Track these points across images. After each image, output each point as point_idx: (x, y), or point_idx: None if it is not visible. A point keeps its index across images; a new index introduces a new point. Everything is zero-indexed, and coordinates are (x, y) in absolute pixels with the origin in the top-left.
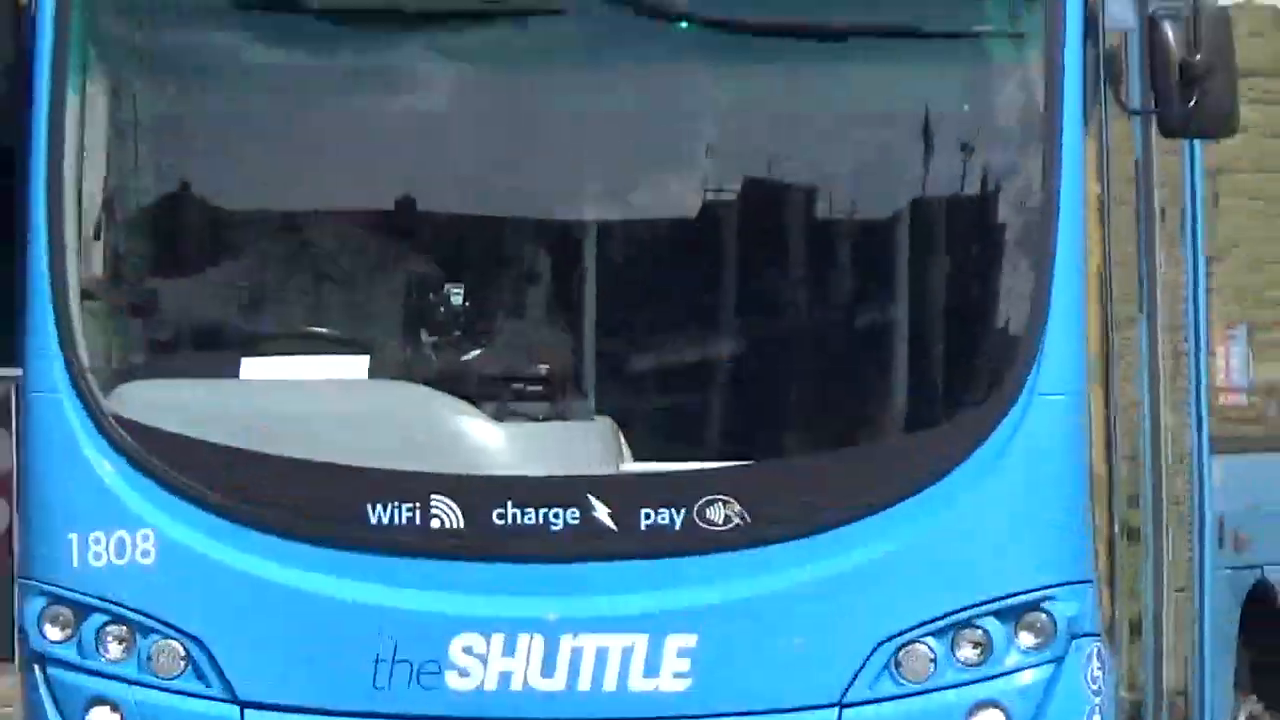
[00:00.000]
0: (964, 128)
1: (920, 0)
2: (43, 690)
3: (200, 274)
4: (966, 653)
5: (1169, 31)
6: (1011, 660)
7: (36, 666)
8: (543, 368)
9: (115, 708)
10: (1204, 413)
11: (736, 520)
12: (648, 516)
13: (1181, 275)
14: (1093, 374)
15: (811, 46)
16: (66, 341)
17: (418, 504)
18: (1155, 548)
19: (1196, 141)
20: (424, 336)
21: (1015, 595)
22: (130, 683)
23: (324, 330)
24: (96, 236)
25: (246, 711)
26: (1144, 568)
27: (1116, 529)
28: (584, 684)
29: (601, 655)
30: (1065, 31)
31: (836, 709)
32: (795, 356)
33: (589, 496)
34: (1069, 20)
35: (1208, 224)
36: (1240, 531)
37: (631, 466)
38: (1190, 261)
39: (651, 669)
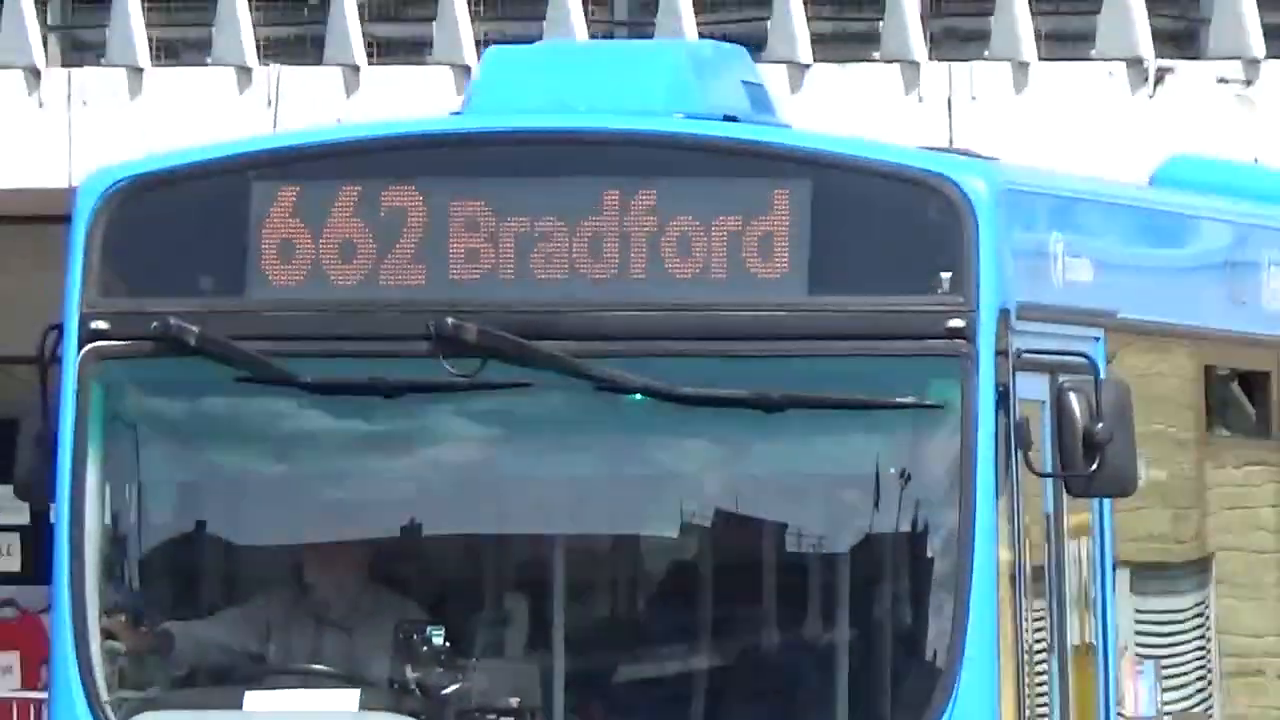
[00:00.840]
0: (889, 487)
1: (848, 375)
2: None
3: (206, 617)
4: None
5: (1074, 402)
6: None
7: None
8: (514, 700)
9: None
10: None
11: None
12: None
13: (1092, 616)
14: (1009, 704)
15: (751, 416)
16: (86, 675)
17: None
18: None
19: (1105, 501)
20: (409, 672)
21: None
22: None
23: (319, 667)
24: (112, 585)
25: None
26: None
27: None
28: None
29: None
30: (978, 404)
31: None
32: (741, 687)
33: None
34: (982, 394)
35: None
36: None
37: None
38: (1100, 602)
39: None
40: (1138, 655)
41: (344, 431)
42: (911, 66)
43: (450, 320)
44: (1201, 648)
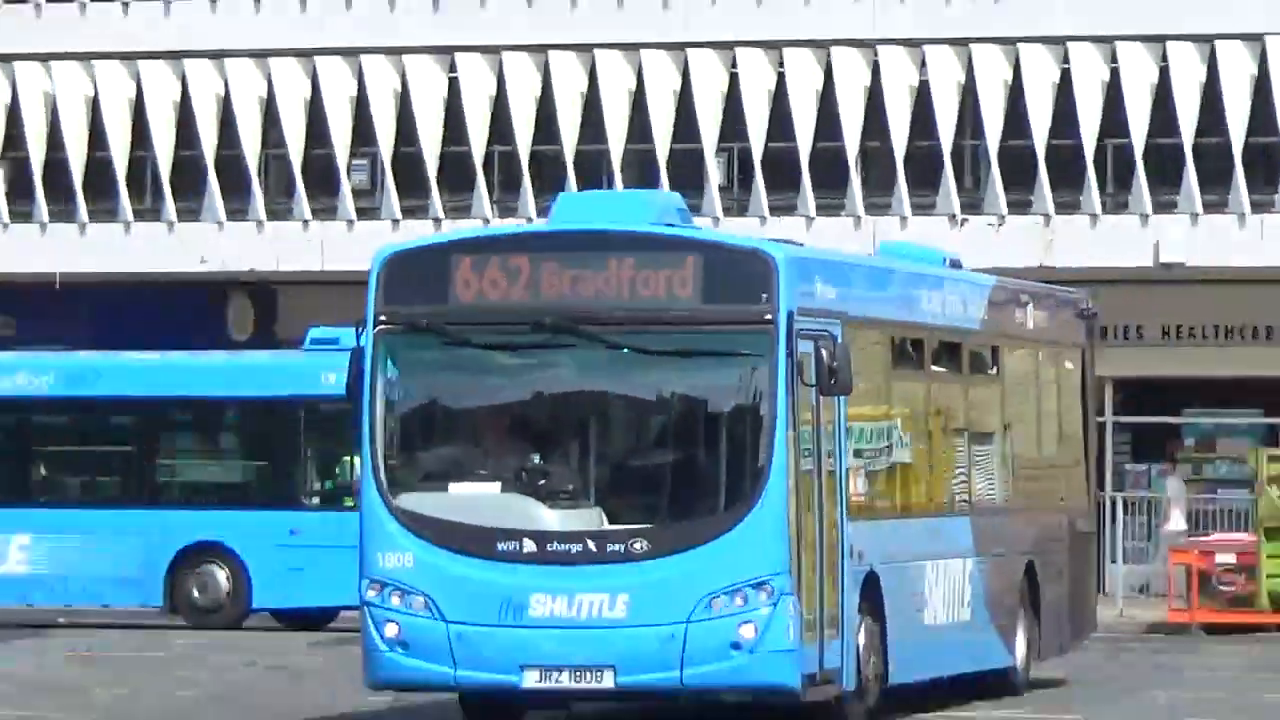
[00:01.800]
0: (743, 386)
1: (723, 340)
2: (367, 620)
3: (433, 454)
4: (738, 603)
5: (824, 352)
6: (761, 603)
7: (365, 610)
8: (570, 487)
9: (399, 627)
10: (844, 505)
11: (639, 548)
12: (605, 548)
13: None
14: (795, 486)
15: (678, 359)
16: (378, 481)
17: (526, 538)
18: (826, 556)
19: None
20: (523, 477)
21: (760, 577)
22: (403, 614)
23: (483, 472)
24: (385, 437)
25: (452, 627)
26: (818, 566)
27: (803, 548)
28: (578, 614)
29: (592, 605)
30: (779, 352)
31: (683, 627)
32: (658, 481)
33: (587, 541)
34: (780, 348)
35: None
36: (859, 549)
37: (599, 528)
38: (839, 444)
39: (603, 607)
40: (857, 468)
41: (492, 365)
42: None
43: (542, 320)
44: (890, 462)
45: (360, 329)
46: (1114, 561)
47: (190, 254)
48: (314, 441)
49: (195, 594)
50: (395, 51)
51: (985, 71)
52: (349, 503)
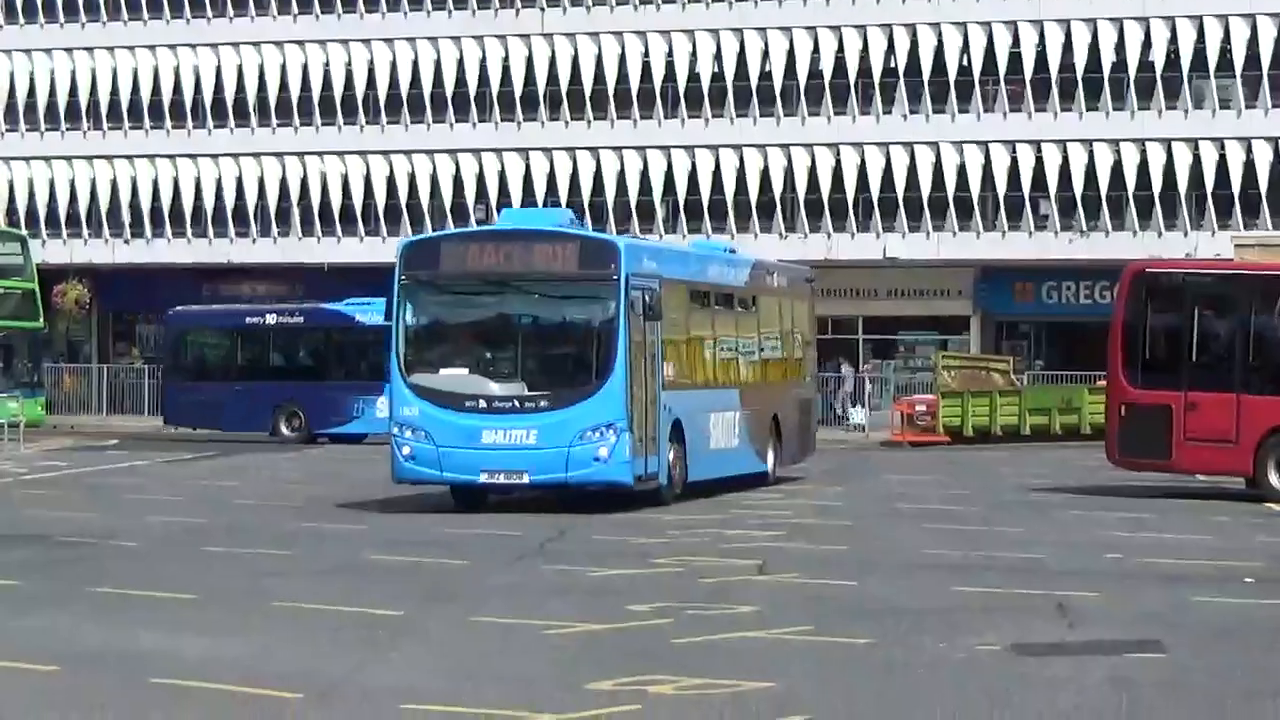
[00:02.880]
0: (603, 314)
1: (588, 292)
2: (393, 445)
3: (431, 352)
4: (598, 435)
5: (639, 298)
6: (610, 435)
7: (392, 439)
8: (506, 371)
9: (410, 448)
10: (660, 380)
11: (543, 404)
12: (524, 404)
13: (654, 352)
14: (630, 370)
15: (555, 301)
16: (401, 367)
17: (481, 399)
18: (649, 410)
19: (659, 320)
20: (480, 366)
21: (611, 420)
22: (413, 442)
23: (458, 363)
24: (404, 339)
25: (440, 449)
26: (644, 415)
27: (634, 405)
28: (510, 442)
29: (517, 436)
30: (620, 297)
31: (567, 449)
32: (555, 367)
33: (515, 400)
34: (621, 294)
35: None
36: (669, 405)
37: (522, 394)
38: (658, 355)
39: (523, 437)
40: (668, 361)
41: (462, 303)
42: None
43: (490, 278)
44: (688, 358)
45: (391, 285)
46: (862, 407)
47: None
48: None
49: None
50: None
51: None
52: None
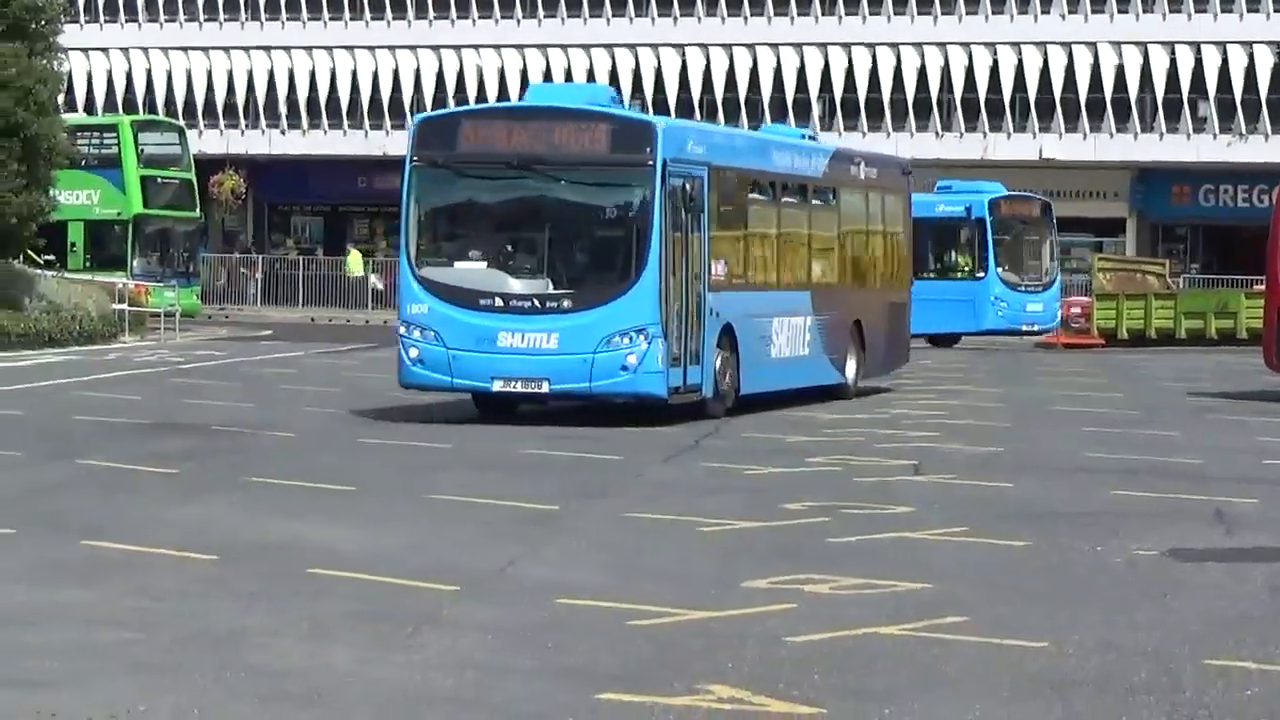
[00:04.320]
0: (628, 206)
1: (623, 176)
2: (401, 346)
3: (445, 243)
4: (626, 341)
5: (686, 186)
6: (640, 342)
7: (400, 339)
8: (527, 266)
9: (418, 350)
10: (706, 281)
11: (566, 305)
12: (545, 304)
13: (700, 249)
14: (666, 269)
15: (582, 188)
16: (410, 259)
17: (497, 297)
18: (691, 314)
19: (706, 212)
20: (498, 259)
21: (642, 324)
22: (421, 344)
23: (474, 255)
24: (417, 230)
25: (451, 352)
26: (683, 319)
27: (669, 308)
28: (528, 345)
29: (536, 339)
30: (656, 179)
31: (591, 355)
32: (581, 264)
33: (535, 299)
34: (656, 180)
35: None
36: (717, 310)
37: (543, 292)
38: (705, 242)
39: (543, 341)
40: (719, 258)
41: (480, 189)
42: None
43: (511, 161)
44: (745, 255)
45: (407, 161)
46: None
47: None
48: None
49: None
50: None
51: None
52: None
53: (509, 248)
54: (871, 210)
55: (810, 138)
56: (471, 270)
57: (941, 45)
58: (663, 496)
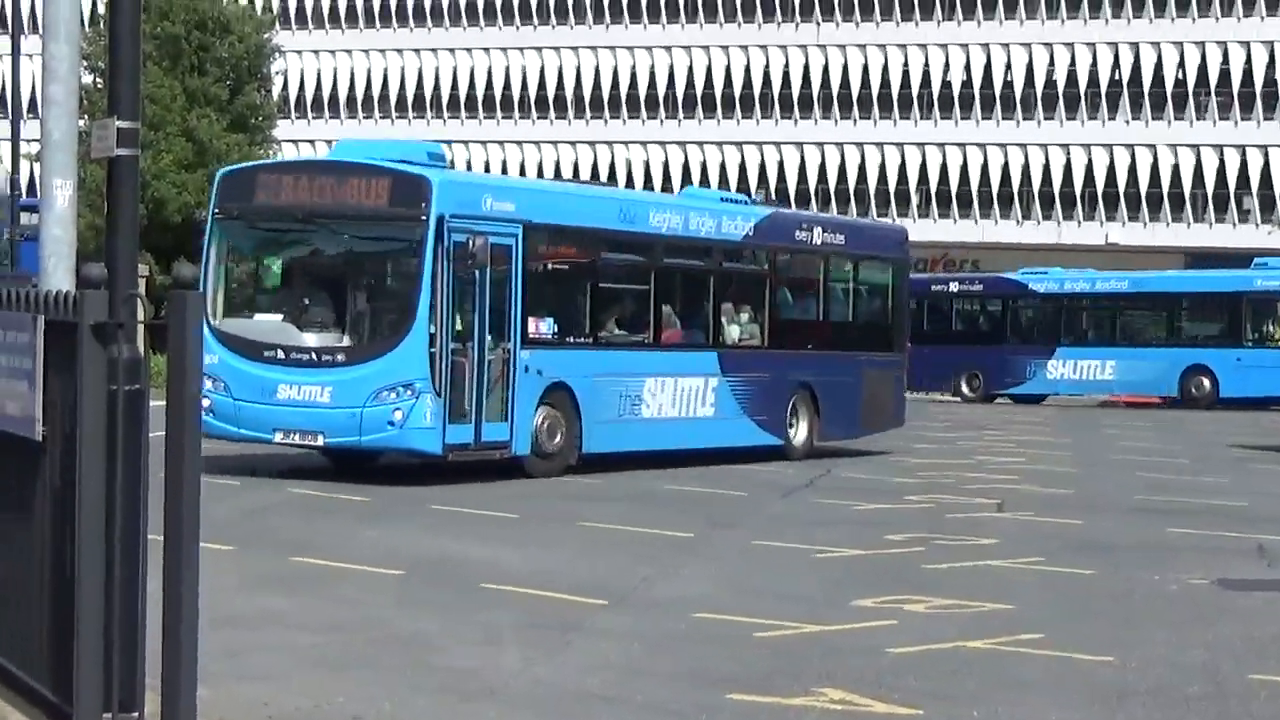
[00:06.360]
0: (402, 261)
1: (402, 231)
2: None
3: (240, 295)
4: (394, 396)
5: (473, 242)
6: (408, 397)
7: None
8: (318, 320)
9: (209, 400)
10: (517, 338)
11: (339, 359)
12: (320, 358)
13: (508, 306)
14: (444, 324)
15: (363, 241)
16: (208, 310)
17: (280, 349)
18: (493, 372)
19: (518, 269)
20: (292, 314)
21: (409, 380)
22: (212, 394)
23: (276, 312)
24: (218, 283)
25: (236, 402)
26: (481, 377)
27: (442, 364)
28: (304, 398)
29: (311, 392)
30: (429, 233)
31: (360, 410)
32: (356, 318)
33: (312, 353)
34: (429, 235)
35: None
36: (538, 369)
37: (318, 345)
38: (516, 298)
39: (318, 394)
40: (538, 321)
41: (274, 240)
42: None
43: (298, 214)
44: (576, 318)
45: (208, 217)
46: None
47: None
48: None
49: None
50: None
51: None
52: None
53: (304, 300)
54: (834, 275)
55: (741, 202)
56: (263, 322)
57: (1022, 146)
58: (782, 528)
